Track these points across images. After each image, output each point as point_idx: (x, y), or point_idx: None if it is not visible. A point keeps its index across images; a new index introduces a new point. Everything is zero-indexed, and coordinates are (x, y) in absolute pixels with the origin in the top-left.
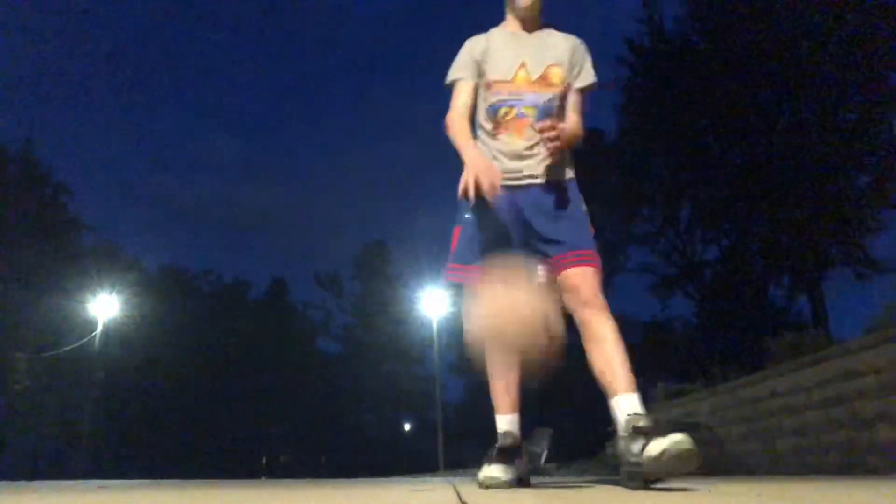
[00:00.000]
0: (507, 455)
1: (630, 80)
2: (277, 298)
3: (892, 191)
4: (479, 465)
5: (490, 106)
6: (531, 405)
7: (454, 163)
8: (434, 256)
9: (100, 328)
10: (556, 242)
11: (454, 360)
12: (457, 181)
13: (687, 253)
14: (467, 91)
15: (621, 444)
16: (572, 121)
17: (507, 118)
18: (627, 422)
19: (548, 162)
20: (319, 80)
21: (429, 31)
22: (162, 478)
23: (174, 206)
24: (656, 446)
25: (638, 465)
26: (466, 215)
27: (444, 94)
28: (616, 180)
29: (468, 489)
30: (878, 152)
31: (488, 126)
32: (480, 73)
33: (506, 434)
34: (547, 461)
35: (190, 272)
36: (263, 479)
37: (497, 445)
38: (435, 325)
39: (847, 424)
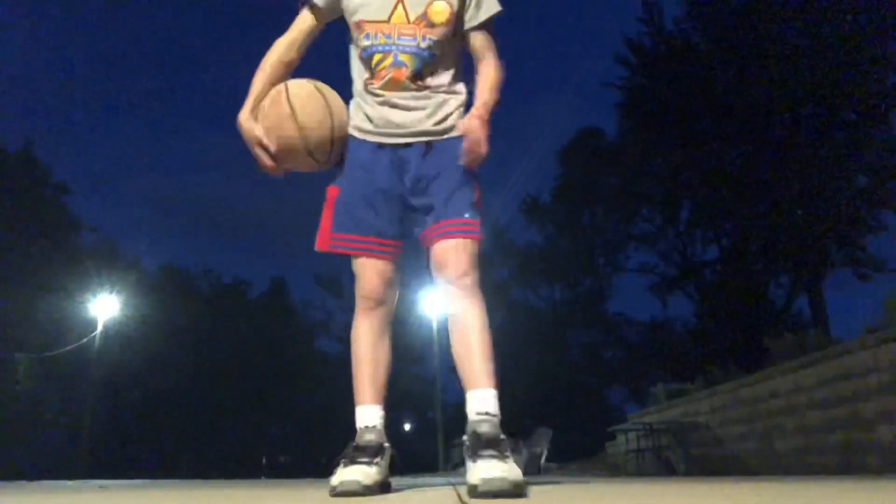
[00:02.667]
0: (368, 454)
1: (630, 80)
2: (277, 298)
3: (893, 191)
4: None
5: (363, 50)
6: (531, 405)
7: None
8: None
9: (100, 328)
10: (427, 211)
11: (454, 361)
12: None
13: (687, 253)
14: (305, 21)
15: (465, 444)
16: (485, 81)
17: (382, 66)
18: (470, 423)
19: (430, 117)
20: (320, 78)
21: None
22: (162, 478)
23: (174, 206)
24: (475, 474)
25: (466, 480)
26: (338, 172)
27: None
28: (616, 180)
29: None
30: (878, 152)
31: (364, 75)
32: (348, 10)
33: (368, 429)
34: (547, 461)
35: (190, 272)
36: (263, 479)
37: (354, 443)
38: (435, 325)
39: (847, 424)
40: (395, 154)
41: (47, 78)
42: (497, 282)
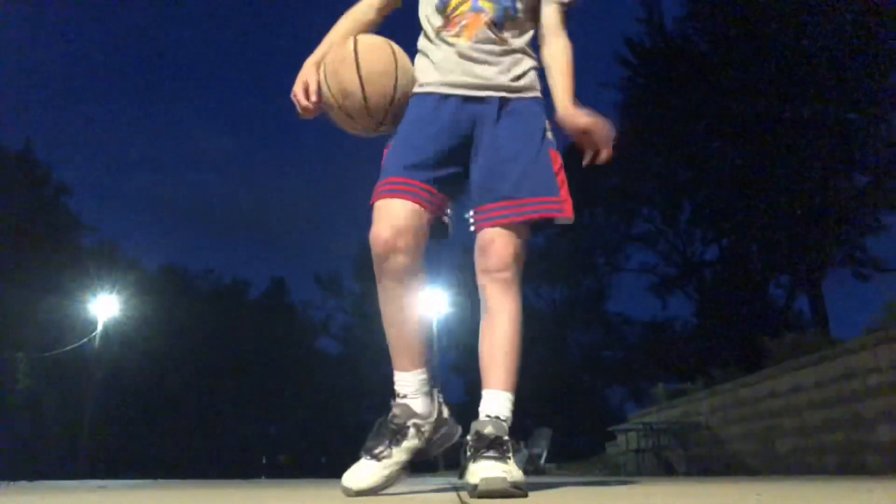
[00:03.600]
0: (384, 438)
1: (630, 80)
2: (277, 298)
3: (893, 191)
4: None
5: None
6: (531, 405)
7: None
8: (434, 256)
9: (100, 328)
10: (493, 183)
11: (454, 360)
12: None
13: (687, 253)
14: None
15: (467, 444)
16: (559, 65)
17: (458, 12)
18: (475, 423)
19: (505, 73)
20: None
21: None
22: (162, 478)
23: (174, 206)
24: (473, 475)
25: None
26: (392, 138)
27: None
28: (616, 180)
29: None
30: (878, 152)
31: (436, 22)
32: None
33: (395, 402)
34: (547, 461)
35: (190, 272)
36: (263, 479)
37: (380, 421)
38: (435, 325)
39: (847, 424)
40: (462, 107)
41: (47, 78)
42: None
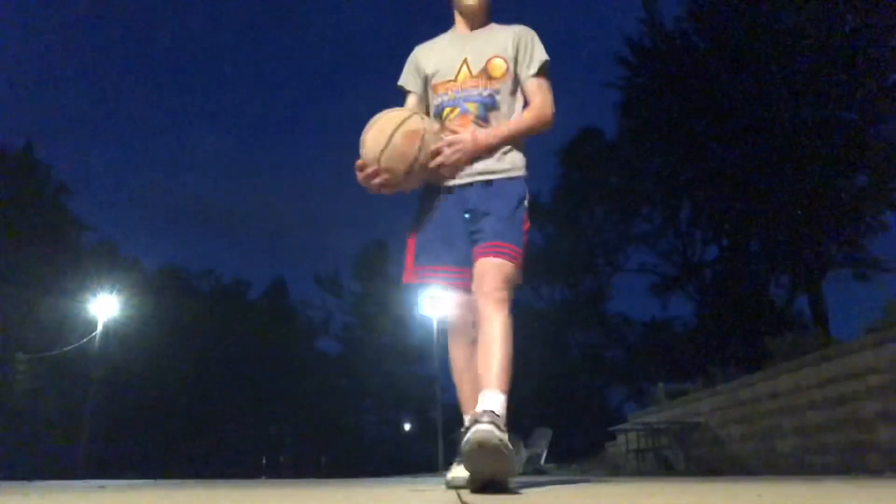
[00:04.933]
0: None
1: (630, 80)
2: (277, 298)
3: (893, 191)
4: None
5: (436, 108)
6: (531, 405)
7: None
8: None
9: (100, 328)
10: (478, 235)
11: None
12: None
13: (687, 253)
14: (411, 100)
15: (461, 434)
16: (523, 116)
17: (451, 117)
18: (472, 415)
19: (489, 159)
20: (320, 78)
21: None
22: (162, 478)
23: (174, 206)
24: (466, 438)
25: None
26: (414, 216)
27: None
28: (616, 180)
29: (468, 489)
30: (878, 152)
31: (435, 126)
32: (425, 79)
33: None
34: (546, 461)
35: (190, 272)
36: (263, 479)
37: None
38: (435, 325)
39: (847, 424)
40: (462, 193)
41: (47, 78)
42: None
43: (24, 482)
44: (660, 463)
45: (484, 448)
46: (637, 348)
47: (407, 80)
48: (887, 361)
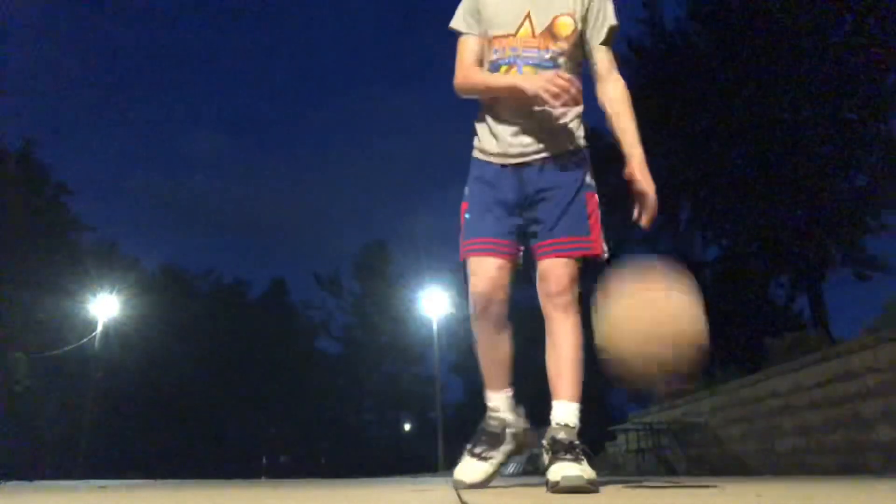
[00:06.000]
0: (488, 443)
1: (630, 80)
2: (277, 298)
3: (893, 191)
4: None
5: (491, 64)
6: (532, 405)
7: (454, 161)
8: (434, 256)
9: (100, 328)
10: (538, 227)
11: (454, 360)
12: (458, 180)
13: (687, 253)
14: (470, 46)
15: (542, 450)
16: (626, 121)
17: None
18: (550, 430)
19: (554, 130)
20: (320, 78)
21: (428, 25)
22: (162, 478)
23: (174, 206)
24: (554, 474)
25: (546, 478)
26: (466, 190)
27: (444, 90)
28: (616, 180)
29: (468, 489)
30: (878, 152)
31: None
32: (483, 25)
33: (491, 412)
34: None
35: (190, 272)
36: (263, 479)
37: (482, 425)
38: (435, 325)
39: (847, 424)
40: (516, 172)
41: (47, 78)
42: None
43: (24, 482)
44: (660, 463)
45: (574, 490)
46: None
47: (465, 21)
48: (887, 361)
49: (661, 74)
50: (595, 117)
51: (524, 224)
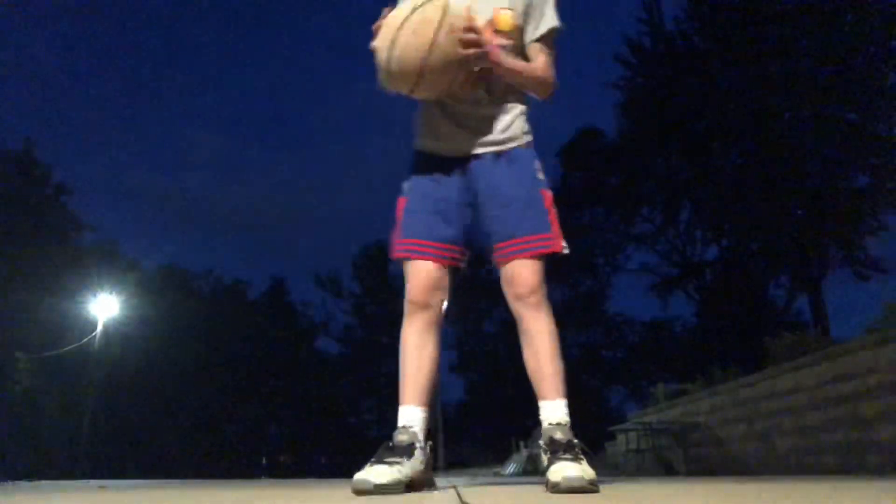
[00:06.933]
0: (395, 454)
1: (630, 80)
2: (277, 298)
3: (893, 191)
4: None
5: None
6: (531, 405)
7: None
8: None
9: (100, 328)
10: (497, 227)
11: (454, 360)
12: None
13: (687, 253)
14: None
15: (539, 451)
16: (528, 64)
17: None
18: (545, 431)
19: (495, 126)
20: (320, 78)
21: None
22: (162, 478)
23: (174, 205)
24: (554, 474)
25: (545, 479)
26: (405, 185)
27: None
28: (616, 180)
29: (468, 489)
30: (878, 152)
31: None
32: None
33: (402, 429)
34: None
35: (190, 272)
36: (263, 479)
37: (388, 443)
38: None
39: (847, 424)
40: (464, 166)
41: (47, 78)
42: (497, 281)
43: (24, 482)
44: (660, 463)
45: (575, 490)
46: (637, 348)
47: None
48: (887, 361)
49: (660, 74)
50: (595, 117)
51: (475, 224)
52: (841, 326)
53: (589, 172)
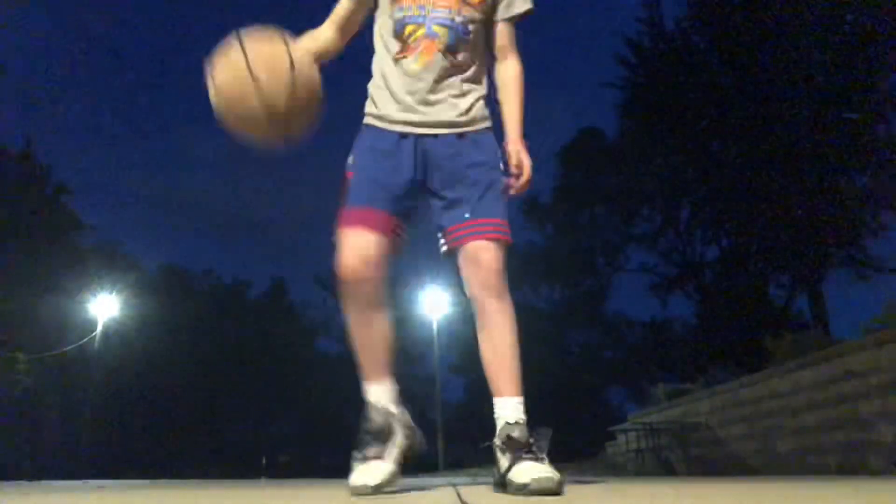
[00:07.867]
0: (379, 441)
1: (630, 80)
2: (277, 298)
3: (893, 191)
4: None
5: (396, 23)
6: (531, 404)
7: None
8: (434, 256)
9: (100, 328)
10: (456, 208)
11: (454, 360)
12: None
13: (687, 253)
14: (343, 7)
15: (496, 450)
16: (513, 97)
17: (414, 38)
18: (502, 430)
19: (456, 106)
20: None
21: None
22: (162, 478)
23: (174, 206)
24: (520, 475)
25: (503, 481)
26: (351, 159)
27: None
28: (616, 180)
29: (468, 489)
30: (878, 152)
31: (393, 48)
32: None
33: (373, 408)
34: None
35: (190, 272)
36: (263, 479)
37: (365, 428)
38: (435, 325)
39: (847, 424)
40: (420, 142)
41: (47, 78)
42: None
43: (24, 482)
44: (660, 463)
45: (544, 492)
46: (637, 348)
47: None
48: (887, 361)
49: (660, 74)
50: (595, 117)
51: (425, 203)
52: (841, 326)
53: (589, 172)
